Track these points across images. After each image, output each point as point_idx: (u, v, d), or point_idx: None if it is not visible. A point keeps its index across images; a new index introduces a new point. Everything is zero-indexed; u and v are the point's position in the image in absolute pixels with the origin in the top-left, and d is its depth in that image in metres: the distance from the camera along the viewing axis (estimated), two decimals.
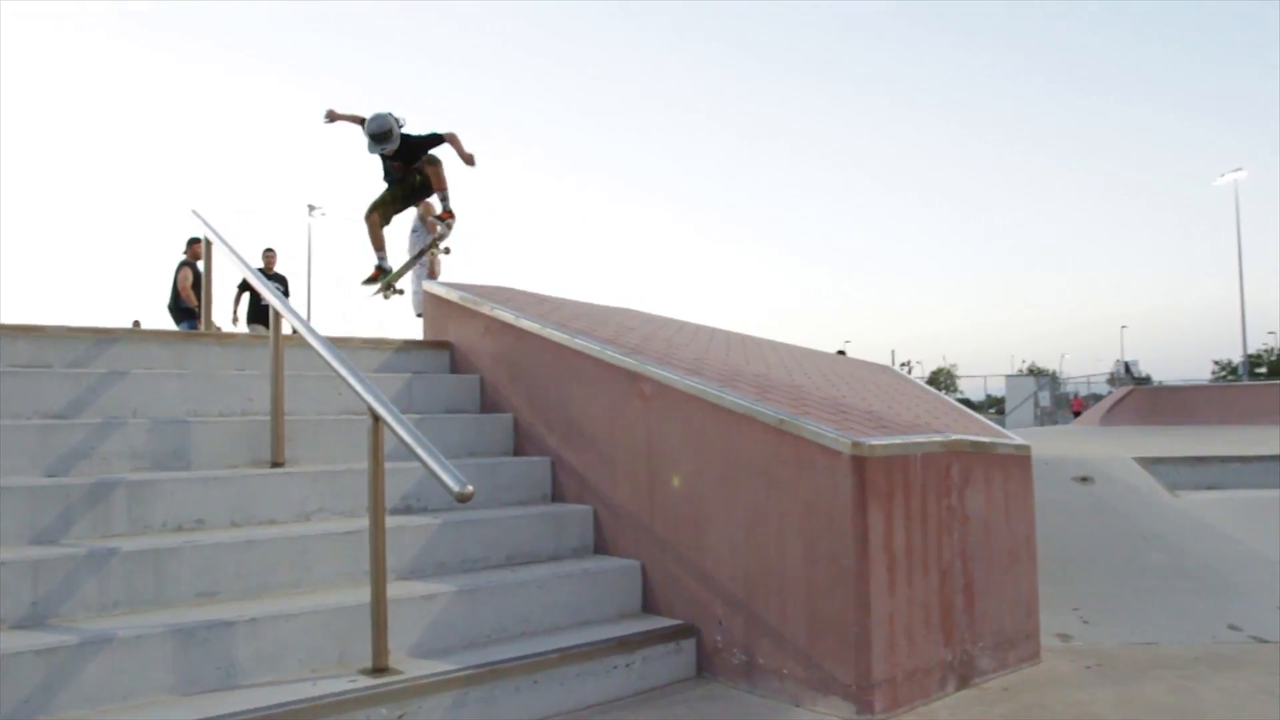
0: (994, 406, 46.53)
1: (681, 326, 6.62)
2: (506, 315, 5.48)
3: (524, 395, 5.33)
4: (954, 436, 4.05)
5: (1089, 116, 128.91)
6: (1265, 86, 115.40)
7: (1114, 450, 7.68)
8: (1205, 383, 31.83)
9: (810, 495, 3.72)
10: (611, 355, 4.66)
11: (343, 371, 3.69)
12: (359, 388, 3.56)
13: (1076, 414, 30.39)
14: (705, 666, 4.09)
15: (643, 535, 4.42)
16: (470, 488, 3.07)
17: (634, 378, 4.53)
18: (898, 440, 3.77)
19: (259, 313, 10.77)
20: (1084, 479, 6.40)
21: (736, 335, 6.80)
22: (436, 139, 5.81)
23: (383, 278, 6.22)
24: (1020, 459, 4.43)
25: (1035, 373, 46.05)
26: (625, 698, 3.81)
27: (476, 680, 3.42)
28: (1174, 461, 6.93)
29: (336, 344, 5.43)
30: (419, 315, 8.40)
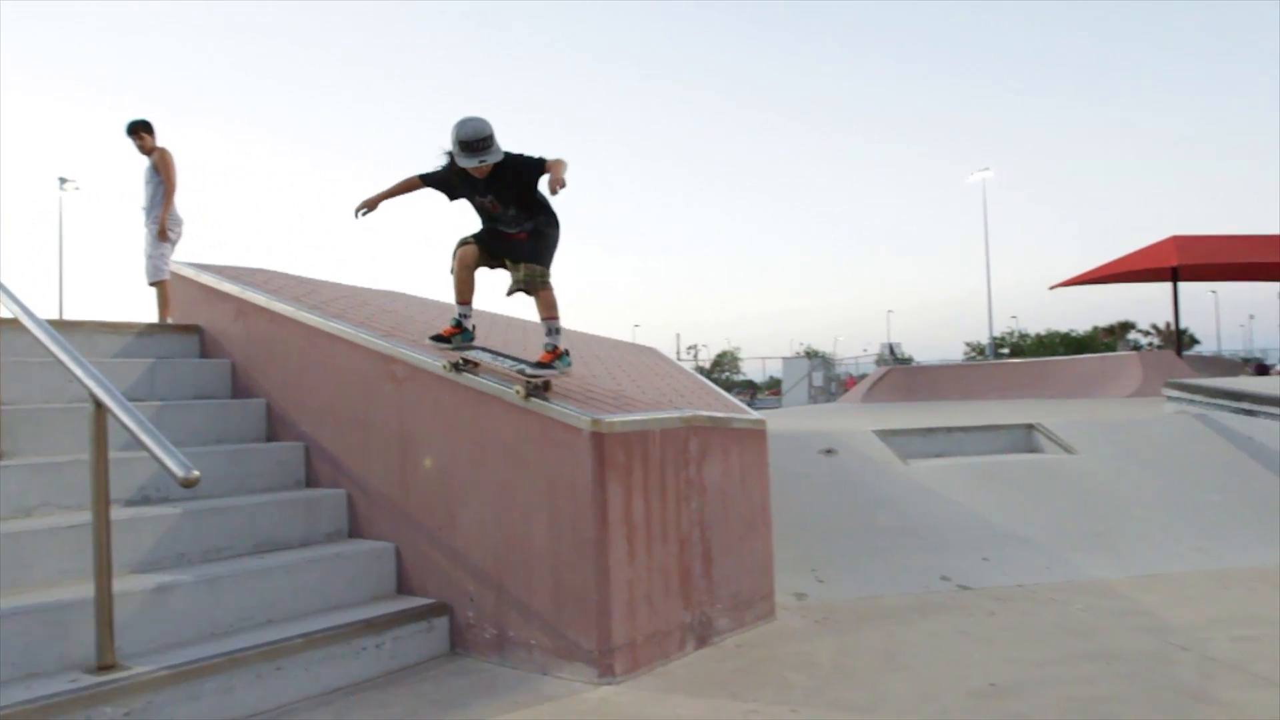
0: (775, 386, 48.91)
1: (449, 310, 6.61)
2: (259, 298, 5.32)
3: (278, 380, 5.20)
4: (691, 413, 4.31)
5: (864, 107, 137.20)
6: (1011, 88, 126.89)
7: (861, 424, 8.33)
8: (955, 362, 34.86)
9: (554, 471, 3.87)
10: (365, 338, 4.64)
11: (60, 355, 3.49)
12: (79, 372, 3.39)
13: None
14: (459, 643, 4.17)
15: (397, 517, 4.43)
16: (196, 473, 3.00)
17: (387, 360, 4.53)
18: (637, 417, 3.97)
19: None
20: (828, 451, 6.90)
21: (504, 318, 6.87)
22: (542, 165, 4.09)
23: (459, 339, 4.42)
24: (756, 433, 4.76)
25: (811, 355, 48.82)
26: (375, 678, 3.83)
27: (212, 670, 3.34)
28: (907, 433, 7.58)
29: (68, 327, 5.12)
30: (151, 284, 7.63)
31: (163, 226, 7.74)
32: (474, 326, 4.52)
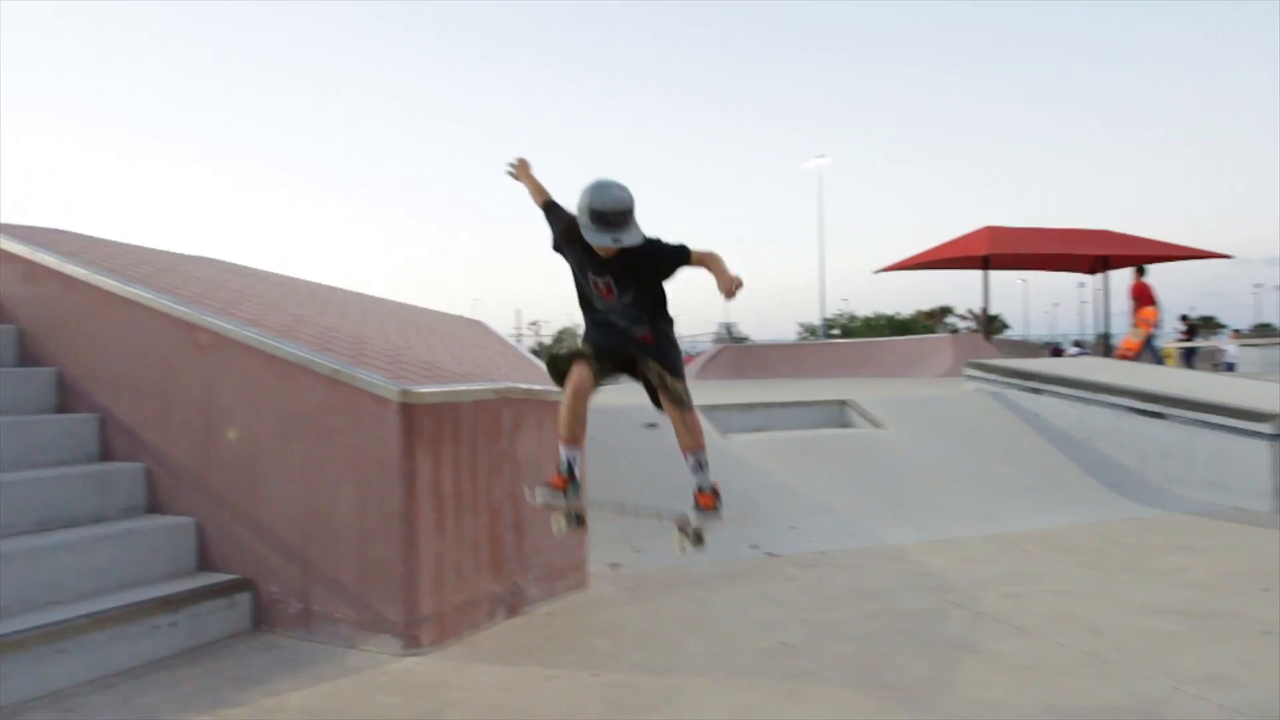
0: None
1: (264, 278, 6.39)
2: (50, 260, 4.98)
3: (71, 347, 4.89)
4: (506, 385, 4.35)
5: (712, 87, 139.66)
6: (849, 80, 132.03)
7: None
8: (787, 342, 36.19)
9: (362, 443, 3.83)
10: (166, 304, 4.43)
11: None
12: None
13: None
14: (263, 619, 4.07)
15: (199, 491, 4.28)
16: None
17: (190, 328, 4.34)
18: (448, 388, 3.97)
19: None
20: (651, 425, 7.06)
21: (326, 288, 6.69)
22: (686, 256, 3.38)
23: (570, 493, 3.65)
24: None
25: None
26: (170, 657, 3.70)
27: None
28: (728, 408, 7.86)
29: None
30: None
31: None
32: (579, 475, 3.71)
